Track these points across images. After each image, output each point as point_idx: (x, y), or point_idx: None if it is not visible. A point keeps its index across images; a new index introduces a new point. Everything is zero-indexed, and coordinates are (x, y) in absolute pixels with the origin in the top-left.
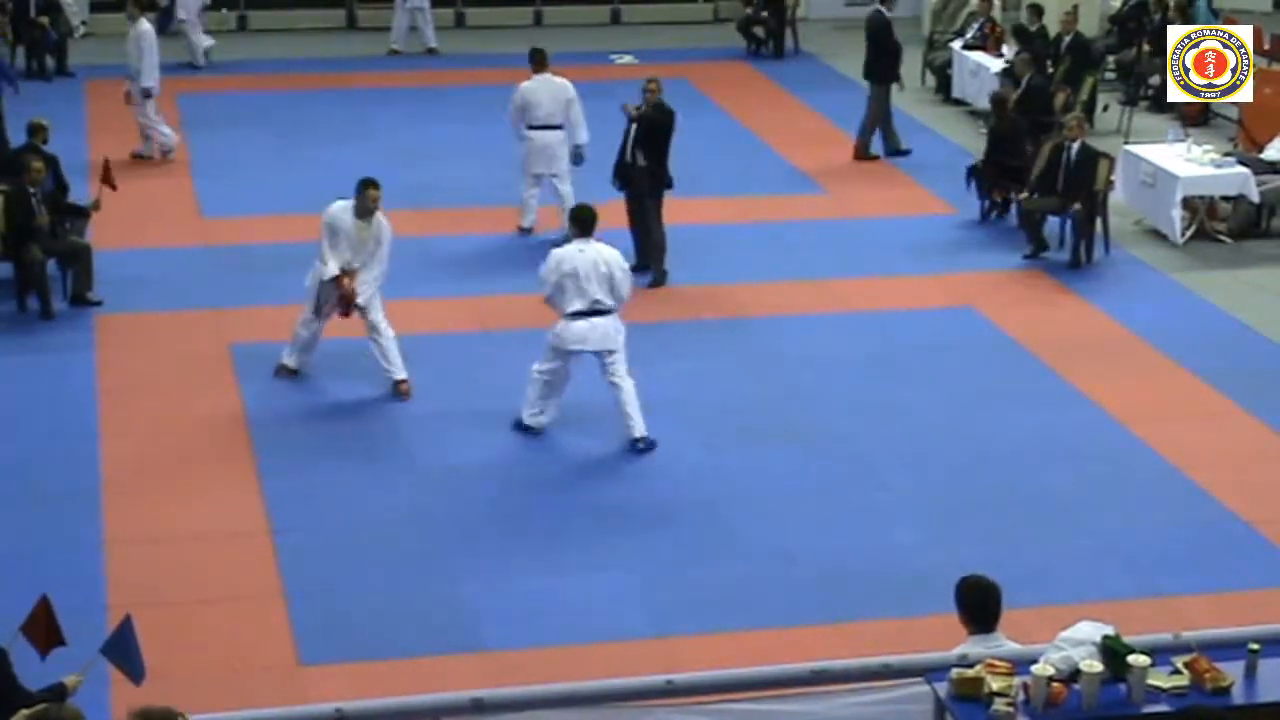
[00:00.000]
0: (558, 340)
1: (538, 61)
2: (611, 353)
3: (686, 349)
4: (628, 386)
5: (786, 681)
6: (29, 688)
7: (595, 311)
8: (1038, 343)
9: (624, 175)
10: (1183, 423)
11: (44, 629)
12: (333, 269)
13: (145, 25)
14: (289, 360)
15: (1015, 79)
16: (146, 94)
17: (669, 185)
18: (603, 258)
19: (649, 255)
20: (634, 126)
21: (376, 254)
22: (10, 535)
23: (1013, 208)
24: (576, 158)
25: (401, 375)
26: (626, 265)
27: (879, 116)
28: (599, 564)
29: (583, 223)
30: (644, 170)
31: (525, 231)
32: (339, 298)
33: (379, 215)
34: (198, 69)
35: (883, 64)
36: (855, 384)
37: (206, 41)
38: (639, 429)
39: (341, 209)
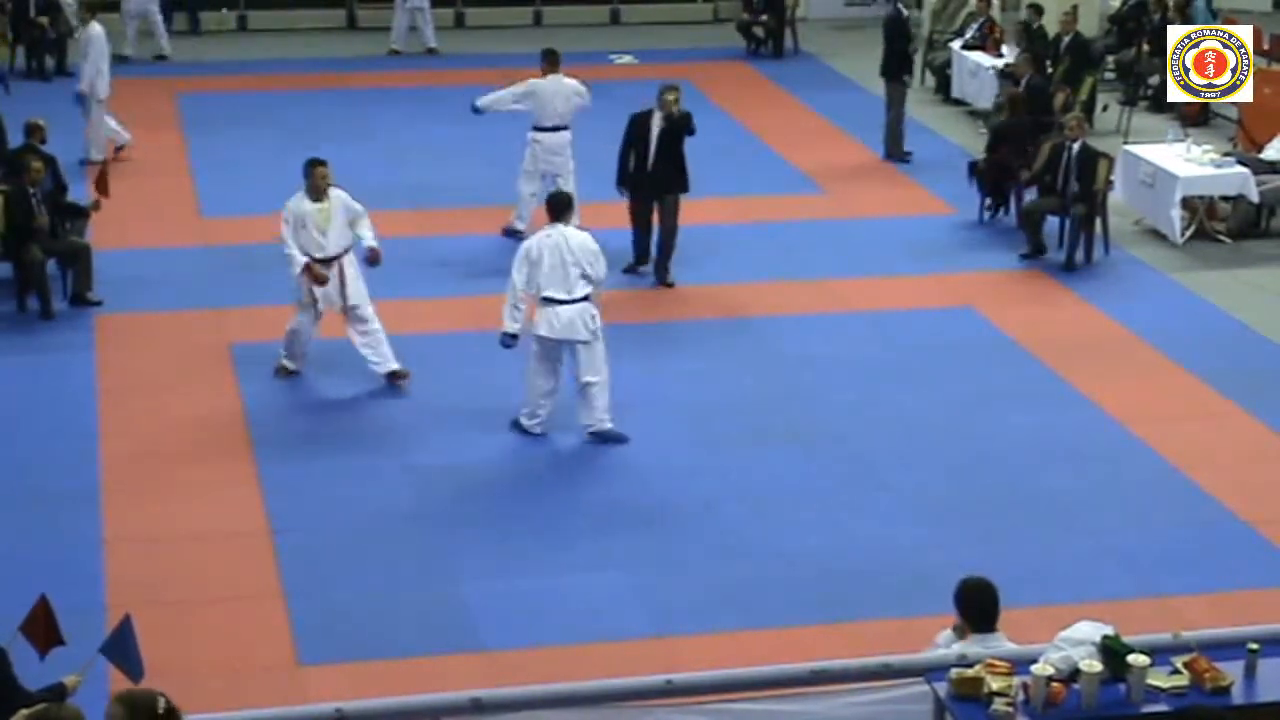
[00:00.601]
0: (531, 326)
1: (551, 61)
2: (584, 344)
3: (686, 349)
4: (600, 380)
5: (786, 681)
6: (28, 688)
7: (559, 300)
8: (1037, 343)
9: (635, 180)
10: (1183, 423)
11: (43, 629)
12: (299, 259)
13: (96, 29)
14: (287, 361)
15: (1014, 79)
16: (80, 98)
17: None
18: (569, 244)
19: (653, 256)
20: (657, 134)
21: (357, 227)
22: (10, 535)
23: (1012, 206)
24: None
25: (394, 365)
26: (596, 245)
27: (898, 115)
28: (598, 564)
29: (554, 209)
30: (665, 174)
31: (517, 234)
32: (314, 282)
33: (336, 192)
34: (125, 60)
35: (893, 61)
36: (855, 384)
37: (163, 40)
38: (604, 421)
39: (297, 200)
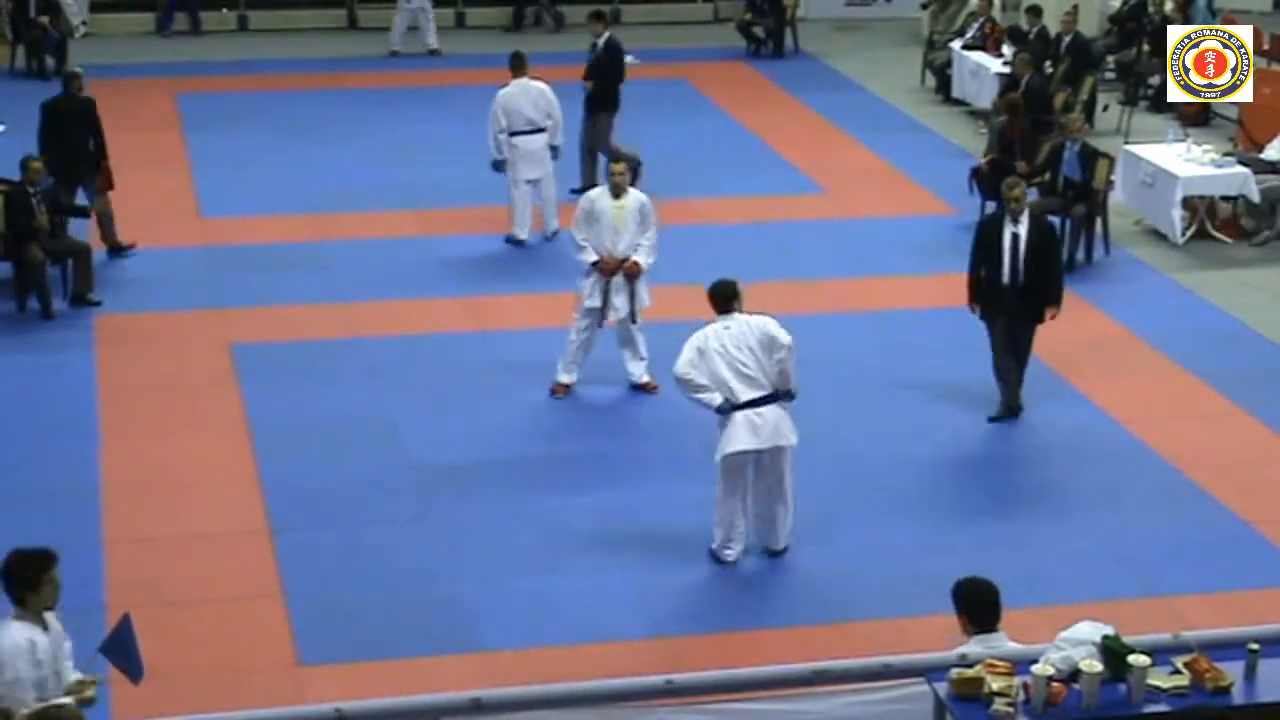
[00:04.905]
0: (726, 443)
1: (517, 66)
2: (781, 450)
3: None
4: (789, 496)
5: (786, 681)
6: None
7: (762, 399)
8: (1038, 343)
9: (985, 297)
10: (1183, 423)
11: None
12: (591, 254)
13: None
14: (564, 376)
15: (1014, 79)
16: None
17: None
18: (754, 331)
19: (1017, 386)
20: (1009, 242)
21: (644, 234)
22: (10, 535)
23: None
24: (554, 156)
25: (647, 377)
26: (788, 336)
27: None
28: (599, 564)
29: (721, 299)
30: (1026, 294)
31: (520, 242)
32: (623, 275)
33: (635, 193)
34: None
35: (606, 93)
36: (854, 384)
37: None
38: (782, 541)
39: (597, 193)
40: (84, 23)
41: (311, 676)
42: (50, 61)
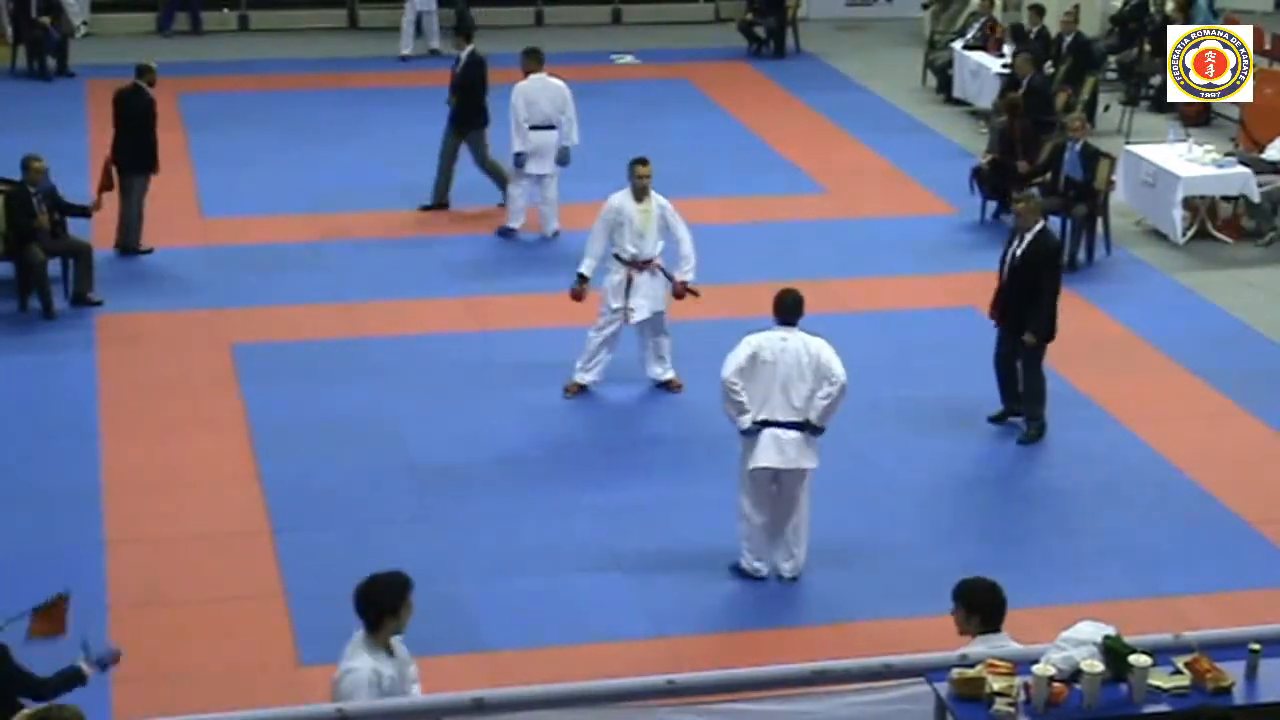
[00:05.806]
0: (752, 458)
1: (534, 60)
2: (803, 471)
3: (687, 349)
4: (803, 519)
5: (786, 681)
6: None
7: (791, 424)
8: None
9: (997, 306)
10: (1183, 423)
11: (48, 620)
12: (588, 265)
13: None
14: (580, 375)
15: (1015, 79)
16: None
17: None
18: (808, 352)
19: (1027, 403)
20: (1008, 257)
21: (676, 236)
22: (10, 535)
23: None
24: (563, 158)
25: (671, 374)
26: (843, 373)
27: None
28: (599, 564)
29: (787, 309)
30: (1017, 313)
31: (512, 232)
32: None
33: (658, 198)
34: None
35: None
36: (855, 384)
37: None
38: (794, 569)
39: (622, 196)
40: (85, 23)
41: (312, 676)
42: (51, 62)
